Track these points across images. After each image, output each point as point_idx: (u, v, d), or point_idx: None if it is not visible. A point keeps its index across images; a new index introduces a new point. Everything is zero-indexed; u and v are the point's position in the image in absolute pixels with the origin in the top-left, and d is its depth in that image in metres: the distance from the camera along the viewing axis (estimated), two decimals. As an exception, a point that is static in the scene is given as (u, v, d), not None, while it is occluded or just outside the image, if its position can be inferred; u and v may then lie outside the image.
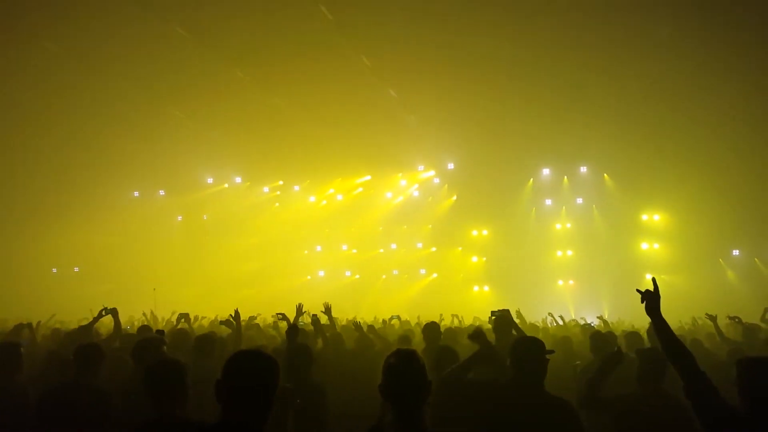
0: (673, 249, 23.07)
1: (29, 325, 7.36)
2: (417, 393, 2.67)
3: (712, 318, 8.68)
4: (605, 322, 12.78)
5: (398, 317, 13.54)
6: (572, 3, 15.44)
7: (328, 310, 7.69)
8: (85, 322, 8.14)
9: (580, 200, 25.30)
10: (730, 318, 9.20)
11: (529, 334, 7.74)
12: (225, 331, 7.78)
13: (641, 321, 7.41)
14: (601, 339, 6.38)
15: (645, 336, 7.02)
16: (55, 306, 18.81)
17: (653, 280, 3.51)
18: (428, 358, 5.54)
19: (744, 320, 9.47)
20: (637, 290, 3.59)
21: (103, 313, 7.39)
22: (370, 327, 8.67)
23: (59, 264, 27.20)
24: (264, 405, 2.47)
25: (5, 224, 23.45)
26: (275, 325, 10.66)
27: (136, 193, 28.38)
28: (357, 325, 7.91)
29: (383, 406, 2.79)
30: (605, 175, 24.46)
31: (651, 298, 3.61)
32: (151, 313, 14.92)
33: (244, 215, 27.75)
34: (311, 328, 7.46)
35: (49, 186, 24.26)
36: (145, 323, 13.88)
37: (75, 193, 24.74)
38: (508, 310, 6.17)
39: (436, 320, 9.60)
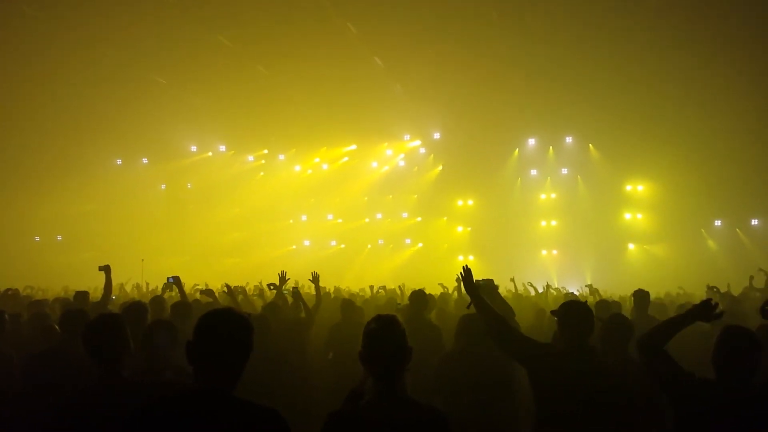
0: (655, 219, 23.30)
1: (14, 292, 7.26)
2: (398, 358, 2.66)
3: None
4: (596, 291, 12.67)
5: (383, 287, 13.67)
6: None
7: (315, 279, 7.68)
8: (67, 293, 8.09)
9: (565, 170, 25.37)
10: (709, 288, 9.32)
11: (513, 302, 7.88)
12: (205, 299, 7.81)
13: (623, 291, 7.53)
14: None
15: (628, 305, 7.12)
16: (38, 274, 18.80)
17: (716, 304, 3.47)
18: (411, 324, 5.62)
19: (724, 290, 9.64)
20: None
21: (170, 281, 7.35)
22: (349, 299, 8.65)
23: (42, 232, 26.95)
24: (235, 367, 2.34)
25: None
26: (261, 293, 10.67)
27: (119, 161, 28.01)
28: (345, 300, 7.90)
29: (365, 371, 2.78)
30: (590, 145, 24.51)
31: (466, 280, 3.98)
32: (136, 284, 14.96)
33: (228, 184, 27.58)
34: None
35: (31, 154, 23.91)
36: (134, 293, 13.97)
37: (57, 160, 24.46)
38: (491, 280, 6.25)
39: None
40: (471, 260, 25.37)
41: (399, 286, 13.50)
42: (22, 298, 9.07)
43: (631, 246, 23.90)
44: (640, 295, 6.93)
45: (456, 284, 9.58)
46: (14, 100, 21.15)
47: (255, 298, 10.52)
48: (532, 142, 25.49)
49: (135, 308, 4.66)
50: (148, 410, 2.27)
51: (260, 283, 11.22)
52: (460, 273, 4.12)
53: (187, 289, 9.30)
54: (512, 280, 12.17)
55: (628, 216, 24.26)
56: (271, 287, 8.02)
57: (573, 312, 3.85)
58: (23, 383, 4.00)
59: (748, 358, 3.15)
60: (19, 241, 25.23)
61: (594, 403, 3.49)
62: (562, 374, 3.62)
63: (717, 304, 3.37)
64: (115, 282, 7.36)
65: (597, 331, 4.19)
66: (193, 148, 27.78)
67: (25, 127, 22.84)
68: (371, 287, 13.65)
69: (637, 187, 24.18)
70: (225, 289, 8.30)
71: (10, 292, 8.26)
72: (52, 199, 24.85)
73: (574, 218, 24.48)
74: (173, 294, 8.79)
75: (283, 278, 7.60)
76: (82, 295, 7.27)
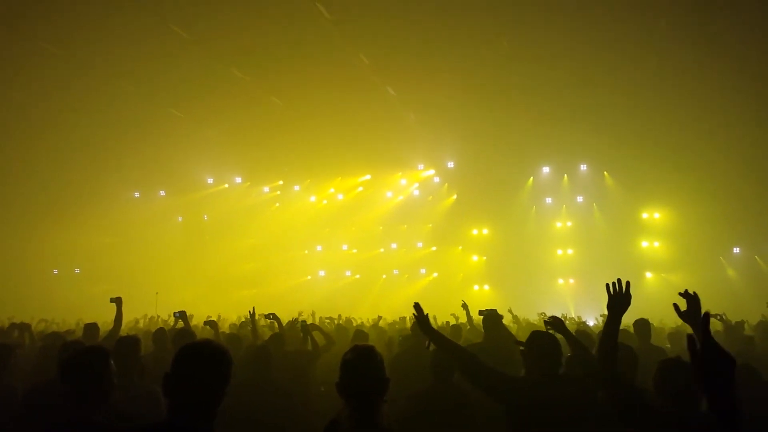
0: (673, 247, 23.04)
1: (22, 325, 7.29)
2: (374, 389, 2.64)
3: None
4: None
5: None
6: (572, 1, 15.39)
7: (305, 327, 7.67)
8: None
9: (580, 198, 25.25)
10: (712, 316, 9.20)
11: (522, 331, 7.80)
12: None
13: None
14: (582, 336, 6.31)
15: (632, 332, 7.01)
16: (56, 307, 18.98)
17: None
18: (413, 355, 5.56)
19: (746, 318, 9.55)
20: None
21: (176, 316, 7.34)
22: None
23: (60, 265, 27.25)
24: (210, 400, 2.29)
25: (7, 225, 23.51)
26: (271, 325, 10.65)
27: (136, 194, 28.43)
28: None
29: (344, 404, 2.73)
30: (605, 173, 24.43)
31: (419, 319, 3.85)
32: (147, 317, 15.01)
33: (244, 215, 27.77)
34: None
35: (51, 187, 24.28)
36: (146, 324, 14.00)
37: (76, 194, 24.79)
38: (495, 310, 6.27)
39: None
40: (486, 290, 25.22)
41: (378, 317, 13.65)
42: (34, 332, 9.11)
43: (649, 275, 23.58)
44: (641, 324, 6.85)
45: (464, 314, 9.52)
46: (34, 134, 21.58)
47: (266, 329, 10.51)
48: (546, 170, 25.44)
49: (126, 341, 4.56)
50: None
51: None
52: (414, 313, 3.92)
53: (201, 320, 9.33)
54: (510, 311, 12.19)
55: (645, 244, 24.01)
56: (270, 317, 8.09)
57: (538, 342, 3.89)
58: (23, 415, 3.99)
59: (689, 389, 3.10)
60: (38, 274, 25.52)
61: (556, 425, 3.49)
62: (536, 404, 3.63)
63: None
64: (128, 315, 7.39)
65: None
66: (210, 180, 28.12)
67: (45, 160, 23.25)
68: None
69: (654, 215, 23.97)
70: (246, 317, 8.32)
71: (22, 325, 8.28)
72: (71, 231, 25.17)
73: (590, 247, 24.25)
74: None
75: (252, 314, 7.72)
76: (91, 328, 7.20)
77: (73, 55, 17.53)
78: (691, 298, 3.62)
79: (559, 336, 4.32)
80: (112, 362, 3.09)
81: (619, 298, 3.37)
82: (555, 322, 4.50)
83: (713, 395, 1.90)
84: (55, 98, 19.76)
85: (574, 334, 4.68)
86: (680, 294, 3.70)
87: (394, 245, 27.52)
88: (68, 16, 15.79)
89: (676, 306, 3.58)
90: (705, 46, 16.43)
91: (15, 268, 24.14)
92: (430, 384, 4.67)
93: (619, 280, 3.39)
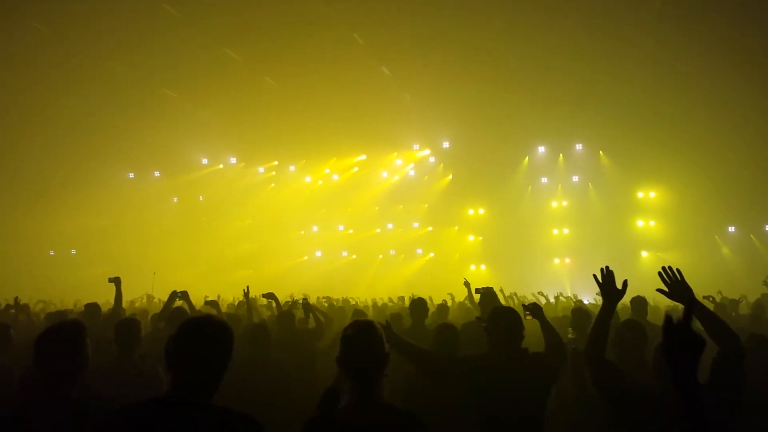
0: (668, 226, 23.09)
1: (19, 305, 7.25)
2: (374, 363, 2.66)
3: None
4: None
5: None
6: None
7: (306, 306, 7.73)
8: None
9: (575, 178, 25.24)
10: (704, 297, 9.33)
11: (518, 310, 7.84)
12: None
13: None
14: (581, 315, 6.36)
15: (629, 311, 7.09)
16: (53, 288, 19.00)
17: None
18: (414, 334, 5.60)
19: (740, 296, 9.63)
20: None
21: (178, 294, 7.21)
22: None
23: (56, 246, 27.23)
24: (212, 375, 2.30)
25: (2, 208, 23.44)
26: (269, 305, 10.70)
27: (131, 175, 28.35)
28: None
29: (340, 373, 2.76)
30: (601, 152, 24.42)
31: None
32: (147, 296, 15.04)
33: (239, 196, 27.75)
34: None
35: (45, 169, 24.18)
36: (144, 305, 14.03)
37: (71, 175, 24.72)
38: (491, 288, 6.32)
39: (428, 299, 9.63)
40: (483, 269, 25.31)
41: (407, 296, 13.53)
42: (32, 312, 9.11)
43: (645, 253, 23.68)
44: (637, 302, 6.95)
45: (466, 292, 9.56)
46: (27, 116, 21.43)
47: (263, 309, 10.56)
48: (542, 149, 25.41)
49: (126, 323, 4.57)
50: (121, 418, 2.22)
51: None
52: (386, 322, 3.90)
53: (199, 300, 9.33)
54: (501, 290, 12.20)
55: (640, 223, 24.05)
56: (268, 297, 8.12)
57: (500, 318, 4.00)
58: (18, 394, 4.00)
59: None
60: (34, 256, 25.50)
61: (520, 402, 3.69)
62: (497, 382, 3.78)
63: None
64: (126, 296, 7.36)
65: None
66: (204, 161, 28.03)
67: (38, 142, 23.10)
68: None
69: (649, 194, 24.00)
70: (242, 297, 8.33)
71: (21, 304, 8.27)
72: (66, 213, 25.12)
73: (586, 226, 24.30)
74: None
75: (246, 293, 7.72)
76: (93, 307, 7.18)
77: (65, 36, 17.35)
78: (606, 275, 3.72)
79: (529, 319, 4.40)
80: (87, 337, 2.99)
81: (611, 287, 3.56)
82: (534, 309, 4.53)
83: (676, 371, 2.00)
84: (48, 80, 19.59)
85: (571, 312, 4.74)
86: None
87: (390, 225, 27.55)
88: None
89: (660, 291, 3.61)
90: (699, 24, 16.33)
91: (11, 250, 24.12)
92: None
93: (608, 268, 3.50)
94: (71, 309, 10.09)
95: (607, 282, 3.57)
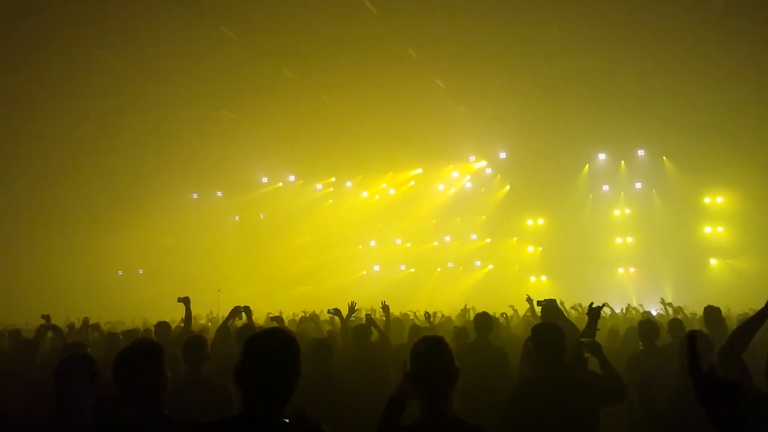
0: (738, 231, 22.17)
1: (49, 325, 7.18)
2: (445, 379, 2.64)
3: None
4: (670, 306, 12.17)
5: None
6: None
7: (386, 309, 7.80)
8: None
9: (638, 185, 24.58)
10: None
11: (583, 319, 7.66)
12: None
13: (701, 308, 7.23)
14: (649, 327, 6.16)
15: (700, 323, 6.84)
16: (122, 308, 19.67)
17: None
18: (480, 349, 5.54)
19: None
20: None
21: (240, 310, 7.31)
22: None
23: (124, 266, 28.24)
24: (282, 388, 2.30)
25: (72, 230, 24.52)
26: (332, 321, 10.78)
27: (194, 195, 29.19)
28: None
29: (401, 384, 2.74)
30: (664, 157, 23.71)
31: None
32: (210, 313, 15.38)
33: (298, 213, 28.21)
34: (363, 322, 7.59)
35: (113, 191, 25.17)
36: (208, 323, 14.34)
37: (136, 196, 25.61)
38: (554, 300, 6.19)
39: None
40: (543, 281, 24.86)
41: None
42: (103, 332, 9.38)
43: (713, 261, 22.78)
44: (710, 312, 6.68)
45: (527, 305, 9.40)
46: (96, 140, 22.36)
47: (326, 324, 10.64)
48: (602, 157, 24.89)
49: (195, 341, 4.66)
50: None
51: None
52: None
53: (260, 316, 9.51)
54: (562, 303, 11.85)
55: (708, 229, 23.17)
56: (331, 312, 8.15)
57: (542, 334, 3.92)
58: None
59: None
60: (103, 276, 26.50)
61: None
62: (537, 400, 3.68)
63: None
64: (193, 313, 7.49)
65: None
66: (264, 180, 28.66)
67: (107, 166, 24.10)
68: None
69: (716, 199, 23.10)
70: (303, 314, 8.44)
71: (91, 324, 8.49)
72: (133, 233, 26.02)
73: (650, 234, 23.59)
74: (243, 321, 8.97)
75: (352, 308, 7.69)
76: (163, 326, 7.31)
77: (130, 62, 18.13)
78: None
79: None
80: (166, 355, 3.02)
81: None
82: (593, 346, 4.31)
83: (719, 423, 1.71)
84: (114, 106, 20.45)
85: (638, 324, 4.58)
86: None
87: (447, 238, 27.43)
88: (126, 27, 16.39)
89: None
90: (764, 23, 15.71)
91: (81, 271, 25.16)
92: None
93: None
94: (139, 328, 10.37)
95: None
